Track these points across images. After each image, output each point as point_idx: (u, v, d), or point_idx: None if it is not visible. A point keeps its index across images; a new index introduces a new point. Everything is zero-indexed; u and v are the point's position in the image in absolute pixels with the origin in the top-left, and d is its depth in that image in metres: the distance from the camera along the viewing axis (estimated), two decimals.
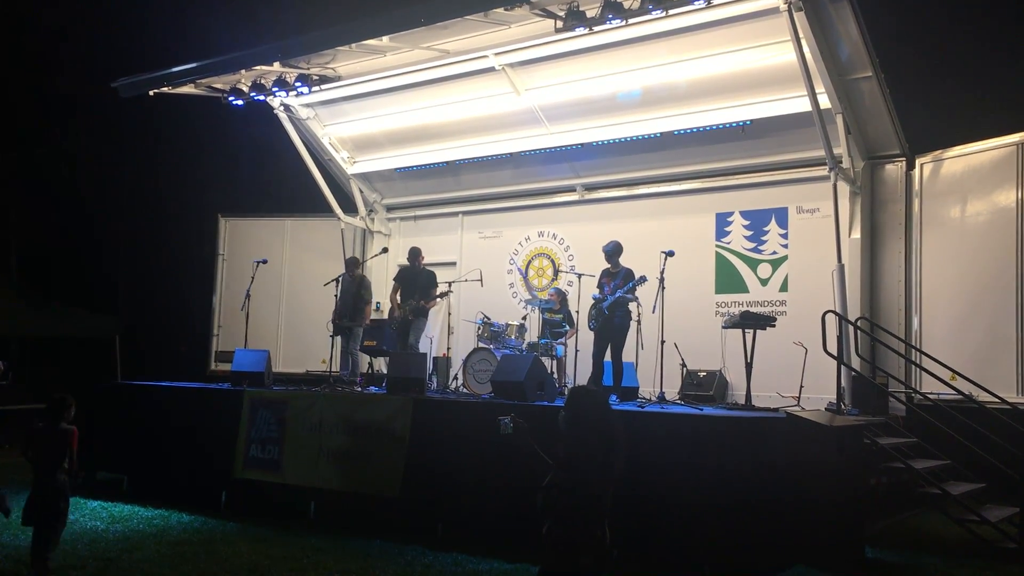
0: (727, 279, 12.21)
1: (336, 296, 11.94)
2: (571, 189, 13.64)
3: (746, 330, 9.40)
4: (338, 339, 11.95)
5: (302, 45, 12.01)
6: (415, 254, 11.90)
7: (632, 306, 10.14)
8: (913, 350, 10.51)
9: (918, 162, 11.09)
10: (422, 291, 11.57)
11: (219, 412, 10.24)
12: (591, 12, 9.86)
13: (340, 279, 12.03)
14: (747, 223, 12.14)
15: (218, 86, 13.02)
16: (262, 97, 12.95)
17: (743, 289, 12.07)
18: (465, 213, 14.75)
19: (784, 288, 11.77)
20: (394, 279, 12.12)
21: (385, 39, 11.41)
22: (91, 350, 17.35)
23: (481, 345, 11.36)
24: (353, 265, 12.31)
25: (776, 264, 11.88)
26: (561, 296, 11.84)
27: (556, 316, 11.58)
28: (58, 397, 7.00)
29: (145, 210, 20.44)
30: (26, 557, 6.83)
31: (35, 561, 6.65)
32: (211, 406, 10.48)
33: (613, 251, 10.33)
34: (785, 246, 11.84)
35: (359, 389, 10.92)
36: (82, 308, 16.88)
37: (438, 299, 11.77)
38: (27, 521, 6.68)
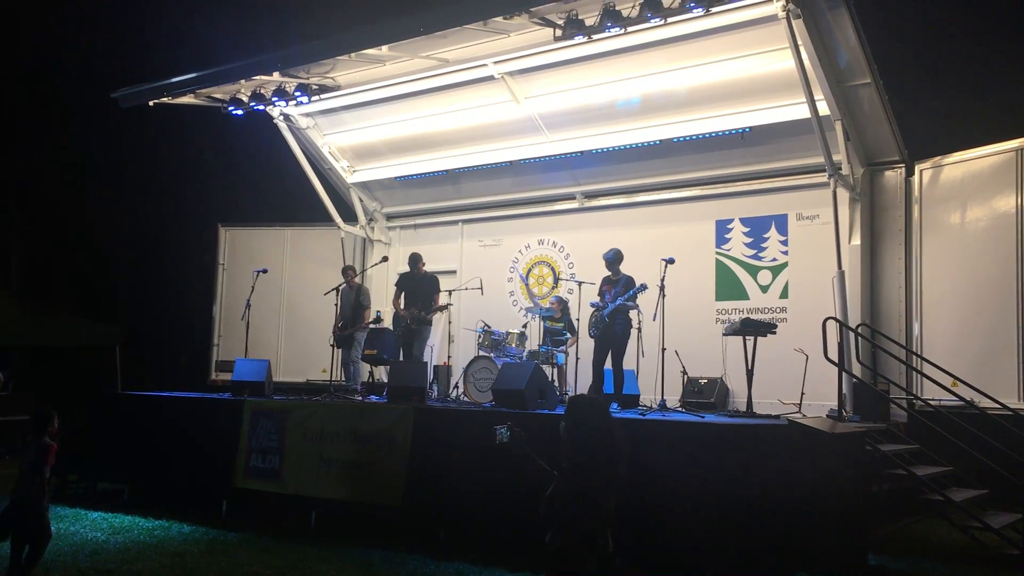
0: (727, 286, 12.21)
1: (336, 306, 11.93)
2: (571, 197, 13.66)
3: (747, 337, 9.39)
4: (339, 351, 11.95)
5: (301, 55, 12.04)
6: (415, 260, 11.91)
7: (633, 314, 10.13)
8: (914, 356, 10.50)
9: (917, 168, 11.10)
10: (425, 296, 11.57)
11: (220, 422, 10.23)
12: (590, 20, 9.88)
13: (339, 289, 12.03)
14: (747, 230, 12.15)
15: (218, 96, 13.03)
16: (262, 107, 12.96)
17: (743, 296, 12.07)
18: (465, 221, 14.76)
19: (784, 295, 11.77)
20: (395, 284, 12.13)
21: (384, 48, 11.44)
22: (92, 360, 17.34)
23: (482, 353, 11.35)
24: (350, 274, 12.28)
25: (776, 271, 11.88)
26: (562, 304, 11.83)
27: (557, 324, 11.58)
28: (41, 411, 6.85)
29: (146, 219, 20.45)
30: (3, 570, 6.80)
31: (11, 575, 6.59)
32: (212, 416, 10.47)
33: (614, 259, 10.34)
34: (785, 253, 11.84)
35: (359, 398, 10.91)
36: (83, 317, 16.87)
37: (440, 310, 11.78)
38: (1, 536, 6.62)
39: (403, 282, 11.99)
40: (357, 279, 12.44)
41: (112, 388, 14.30)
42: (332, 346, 12.05)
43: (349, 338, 11.87)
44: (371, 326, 12.00)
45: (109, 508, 10.11)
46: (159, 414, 10.83)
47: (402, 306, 11.72)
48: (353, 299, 11.96)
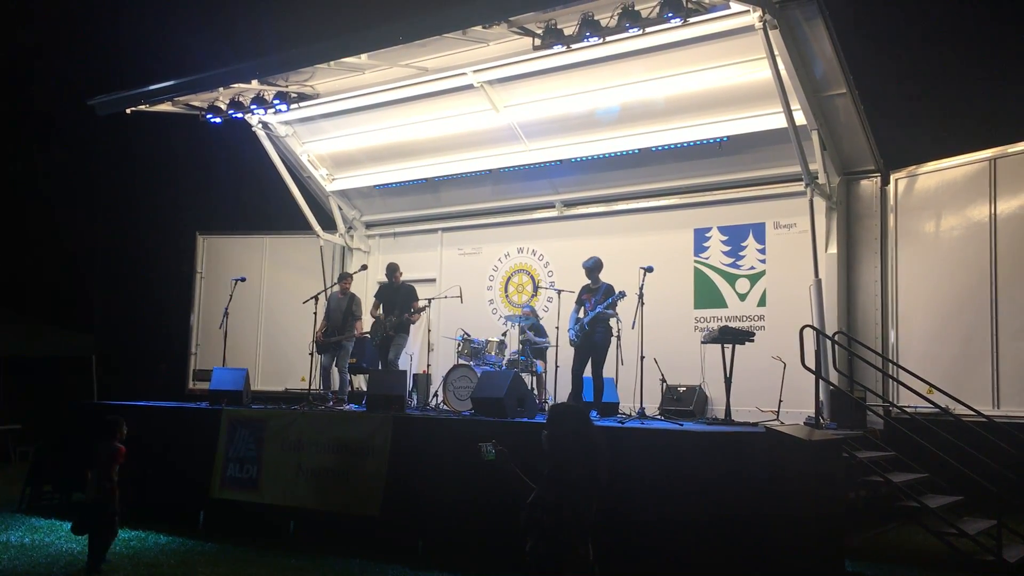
0: (706, 294, 12.27)
1: (315, 313, 11.86)
2: (550, 205, 13.69)
3: (725, 345, 9.43)
4: (319, 357, 11.87)
5: (280, 63, 12.01)
6: (392, 270, 11.88)
7: (612, 322, 10.16)
8: (890, 364, 10.59)
9: (893, 177, 11.21)
10: (402, 306, 11.54)
11: (197, 431, 10.16)
12: (569, 30, 9.93)
13: (324, 296, 11.95)
14: (725, 238, 12.22)
15: (196, 104, 12.97)
16: (240, 115, 12.91)
17: (722, 304, 12.13)
18: (444, 230, 14.77)
19: (762, 303, 11.85)
20: (374, 295, 12.09)
21: (364, 57, 11.43)
22: (68, 369, 17.17)
23: (461, 362, 11.35)
24: (347, 281, 12.17)
25: (754, 279, 11.95)
26: (532, 312, 12.05)
27: (528, 335, 11.68)
28: (111, 419, 7.95)
29: (123, 228, 20.29)
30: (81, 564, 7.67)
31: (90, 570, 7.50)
32: (189, 425, 10.39)
33: (593, 267, 10.34)
34: (763, 261, 11.92)
35: (337, 406, 10.86)
36: (59, 327, 16.72)
37: (418, 314, 11.76)
38: (80, 531, 7.67)
39: (380, 293, 11.94)
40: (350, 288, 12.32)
41: (88, 398, 14.17)
42: (311, 354, 11.96)
43: (335, 346, 11.75)
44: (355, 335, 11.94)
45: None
46: (135, 424, 10.67)
47: (380, 316, 11.65)
48: (345, 307, 11.87)
